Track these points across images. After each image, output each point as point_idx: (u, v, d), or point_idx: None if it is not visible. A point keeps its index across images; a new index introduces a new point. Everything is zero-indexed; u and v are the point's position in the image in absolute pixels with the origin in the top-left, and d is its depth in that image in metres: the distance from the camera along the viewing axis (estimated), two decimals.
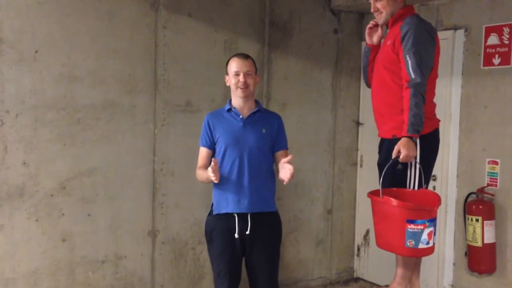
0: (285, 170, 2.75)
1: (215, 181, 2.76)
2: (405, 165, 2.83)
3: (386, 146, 2.97)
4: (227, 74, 2.93)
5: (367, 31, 3.10)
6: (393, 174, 2.81)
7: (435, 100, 2.99)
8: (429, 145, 2.89)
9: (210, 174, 2.73)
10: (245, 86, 2.84)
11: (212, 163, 2.74)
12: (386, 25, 3.02)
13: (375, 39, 3.09)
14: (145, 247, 3.65)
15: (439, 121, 3.00)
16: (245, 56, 2.91)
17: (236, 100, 2.92)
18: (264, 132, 2.90)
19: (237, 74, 2.85)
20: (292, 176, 2.71)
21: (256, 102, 2.98)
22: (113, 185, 3.50)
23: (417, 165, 2.79)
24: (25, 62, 3.18)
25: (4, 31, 3.11)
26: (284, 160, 2.77)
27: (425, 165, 2.85)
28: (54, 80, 3.27)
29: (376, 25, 3.08)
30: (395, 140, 2.82)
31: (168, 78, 3.67)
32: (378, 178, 2.93)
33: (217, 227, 2.89)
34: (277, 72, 4.18)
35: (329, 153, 4.51)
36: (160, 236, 3.70)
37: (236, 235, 2.83)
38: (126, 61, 3.50)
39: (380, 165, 2.99)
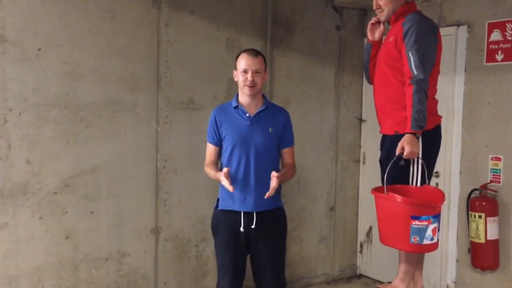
0: (271, 182, 2.75)
1: (231, 191, 2.75)
2: (407, 162, 2.83)
3: (388, 142, 2.96)
4: (235, 69, 2.91)
5: (369, 27, 3.09)
6: (395, 171, 2.81)
7: (437, 96, 2.98)
8: (431, 141, 2.89)
9: (226, 186, 2.73)
10: (253, 85, 2.82)
11: (225, 170, 2.76)
12: (388, 21, 3.01)
13: (377, 35, 3.08)
14: (148, 244, 3.66)
15: (441, 117, 3.00)
16: (255, 54, 2.87)
17: (243, 97, 2.90)
18: (271, 131, 2.89)
19: (245, 72, 2.83)
20: (271, 193, 2.74)
21: (263, 97, 2.96)
22: (116, 183, 3.51)
23: (420, 162, 2.79)
24: (28, 60, 3.18)
25: (7, 29, 3.12)
26: (274, 174, 2.76)
27: (427, 162, 2.84)
28: (57, 78, 3.28)
29: (378, 22, 3.07)
30: (397, 137, 2.82)
31: (171, 76, 3.67)
32: (380, 175, 2.93)
33: (223, 220, 2.91)
34: (279, 69, 4.18)
35: (331, 150, 4.51)
36: (163, 234, 3.71)
37: (242, 229, 2.84)
38: (129, 59, 3.51)
39: (382, 162, 2.99)
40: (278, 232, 2.96)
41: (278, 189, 2.92)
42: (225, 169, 2.78)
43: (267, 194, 2.75)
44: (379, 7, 2.97)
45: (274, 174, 2.76)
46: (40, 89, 3.23)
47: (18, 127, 3.18)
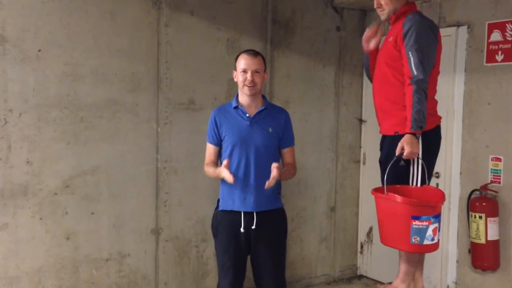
0: (271, 172, 2.75)
1: (231, 183, 2.75)
2: (407, 162, 2.83)
3: (387, 143, 2.97)
4: (235, 70, 2.92)
5: (364, 38, 3.09)
6: (395, 171, 2.81)
7: (437, 97, 2.99)
8: (430, 142, 2.89)
9: (226, 177, 2.74)
10: (252, 84, 2.83)
11: (225, 162, 2.76)
12: (388, 21, 3.02)
13: (372, 45, 3.08)
14: (148, 245, 3.66)
15: (440, 118, 3.00)
16: (254, 54, 2.88)
17: (243, 97, 2.91)
18: (271, 131, 2.90)
19: (244, 72, 2.84)
20: (271, 183, 2.75)
21: (263, 97, 2.97)
22: (116, 184, 3.51)
23: (420, 162, 2.79)
24: (28, 61, 3.19)
25: (7, 30, 3.12)
26: (274, 165, 2.76)
27: (427, 162, 2.85)
28: (57, 79, 3.28)
29: (375, 33, 3.06)
30: (396, 137, 2.82)
31: (171, 76, 3.67)
32: (380, 175, 2.93)
33: (223, 221, 2.92)
34: (279, 69, 4.18)
35: (332, 150, 4.51)
36: (163, 234, 3.71)
37: (242, 229, 2.85)
38: (129, 60, 3.51)
39: (382, 162, 2.99)
40: (278, 232, 2.96)
41: (278, 189, 2.94)
42: (225, 162, 2.77)
43: (267, 183, 2.74)
44: (380, 6, 2.98)
45: (274, 164, 2.76)
46: (41, 90, 3.23)
47: (19, 128, 3.18)
